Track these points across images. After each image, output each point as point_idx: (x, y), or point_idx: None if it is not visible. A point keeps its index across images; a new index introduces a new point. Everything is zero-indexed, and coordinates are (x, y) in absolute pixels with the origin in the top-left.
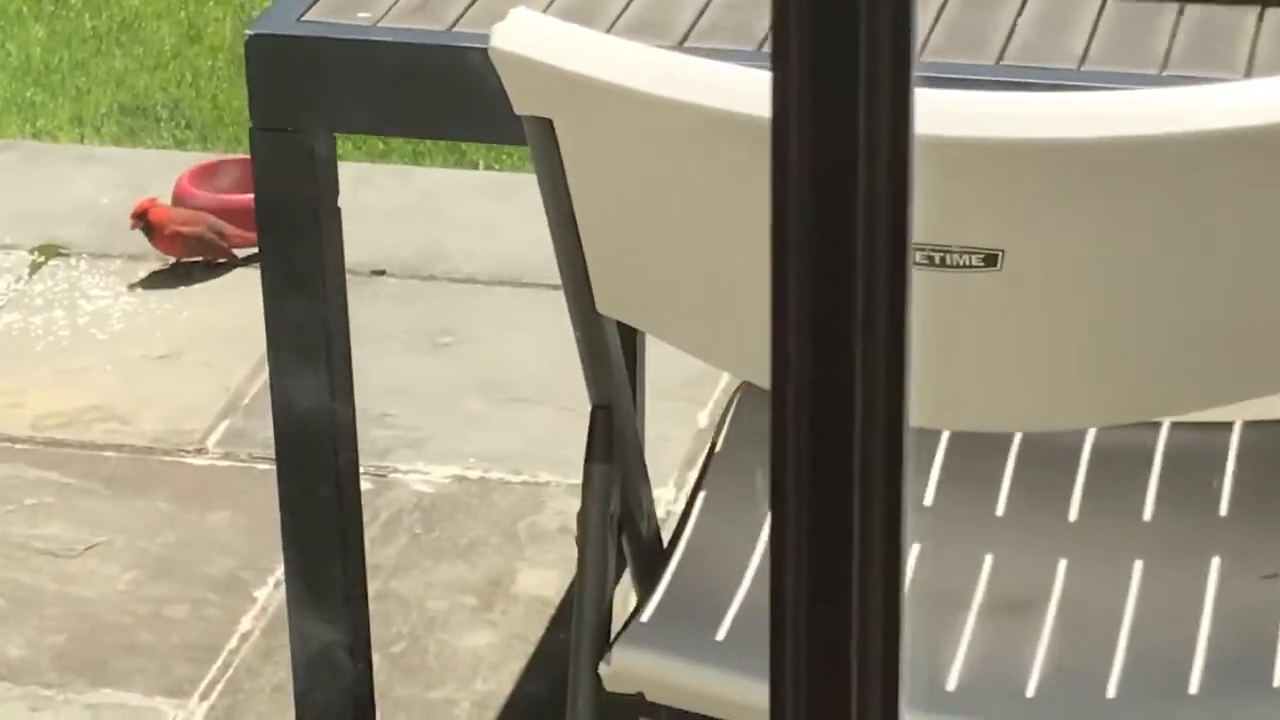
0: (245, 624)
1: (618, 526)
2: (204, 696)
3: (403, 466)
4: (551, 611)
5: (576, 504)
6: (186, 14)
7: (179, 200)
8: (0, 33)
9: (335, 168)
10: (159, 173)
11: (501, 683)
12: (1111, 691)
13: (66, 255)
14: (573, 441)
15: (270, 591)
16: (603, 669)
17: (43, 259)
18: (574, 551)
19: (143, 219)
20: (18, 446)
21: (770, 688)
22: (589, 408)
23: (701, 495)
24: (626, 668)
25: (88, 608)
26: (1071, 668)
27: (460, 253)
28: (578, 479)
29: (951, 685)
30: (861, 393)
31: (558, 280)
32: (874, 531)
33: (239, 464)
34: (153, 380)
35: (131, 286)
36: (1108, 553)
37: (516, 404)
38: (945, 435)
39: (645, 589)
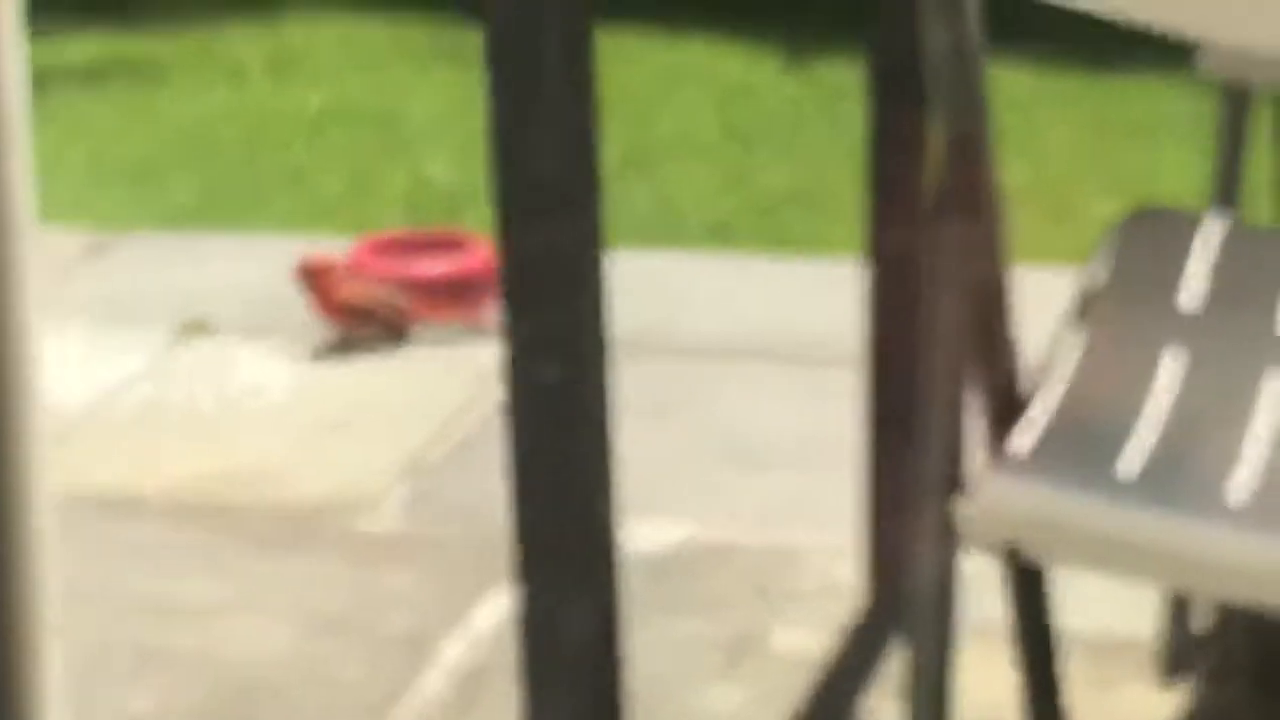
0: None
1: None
2: None
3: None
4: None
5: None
6: None
7: (355, 273)
8: None
9: None
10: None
11: None
12: None
13: (215, 332)
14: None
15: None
16: (962, 508)
17: (187, 335)
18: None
19: (308, 277)
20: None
21: None
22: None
23: (1076, 333)
24: (998, 504)
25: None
26: None
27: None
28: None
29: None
30: None
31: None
32: None
33: (421, 525)
34: (317, 446)
35: (291, 359)
36: None
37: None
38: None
39: (1003, 422)
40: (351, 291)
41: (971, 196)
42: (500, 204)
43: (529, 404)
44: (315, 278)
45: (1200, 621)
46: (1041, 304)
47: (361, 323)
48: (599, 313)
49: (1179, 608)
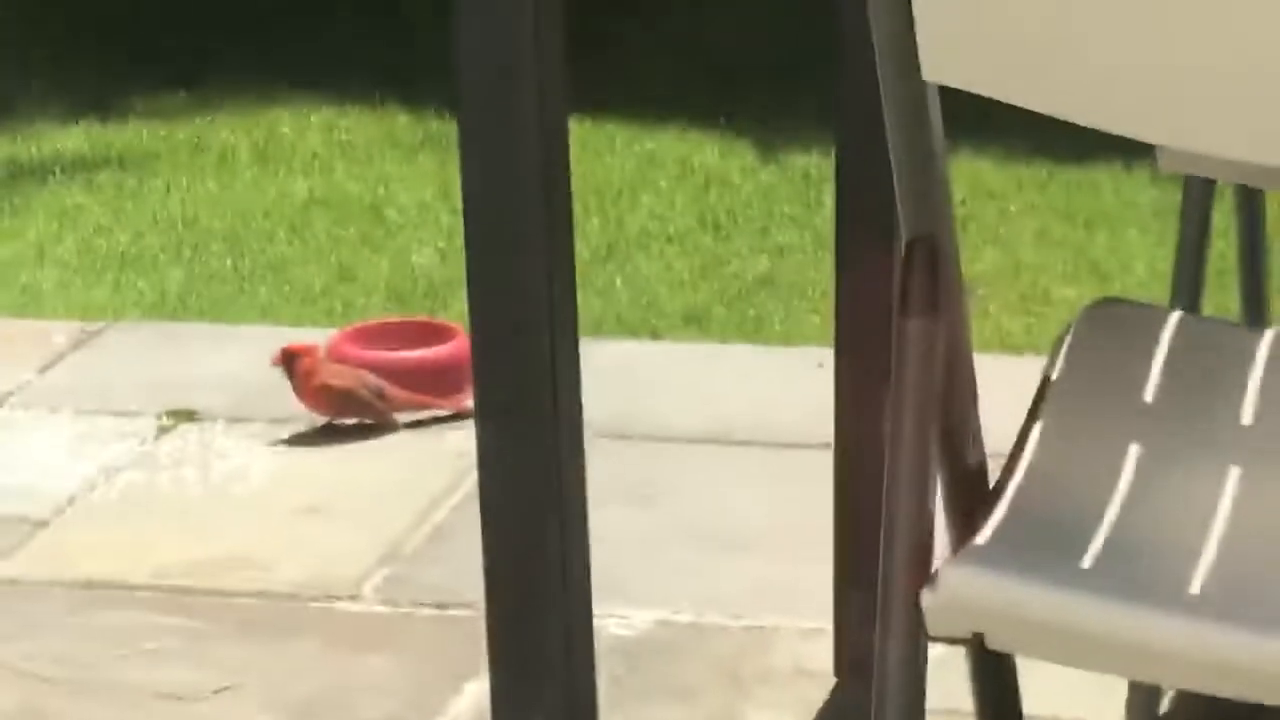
0: None
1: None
2: None
3: (597, 610)
4: None
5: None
6: None
7: (335, 358)
8: None
9: None
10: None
11: None
12: None
13: (199, 420)
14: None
15: None
16: (927, 600)
17: (172, 423)
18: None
19: (288, 362)
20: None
21: None
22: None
23: (1038, 425)
24: (961, 595)
25: None
26: None
27: (659, 414)
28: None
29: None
30: None
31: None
32: None
33: (400, 610)
34: (298, 532)
35: (272, 445)
36: None
37: (729, 552)
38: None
39: (968, 514)
40: (331, 376)
41: (934, 295)
42: (475, 294)
43: (503, 492)
44: (295, 363)
45: (1166, 706)
46: (1012, 392)
47: (342, 408)
48: (573, 401)
49: (1145, 691)
